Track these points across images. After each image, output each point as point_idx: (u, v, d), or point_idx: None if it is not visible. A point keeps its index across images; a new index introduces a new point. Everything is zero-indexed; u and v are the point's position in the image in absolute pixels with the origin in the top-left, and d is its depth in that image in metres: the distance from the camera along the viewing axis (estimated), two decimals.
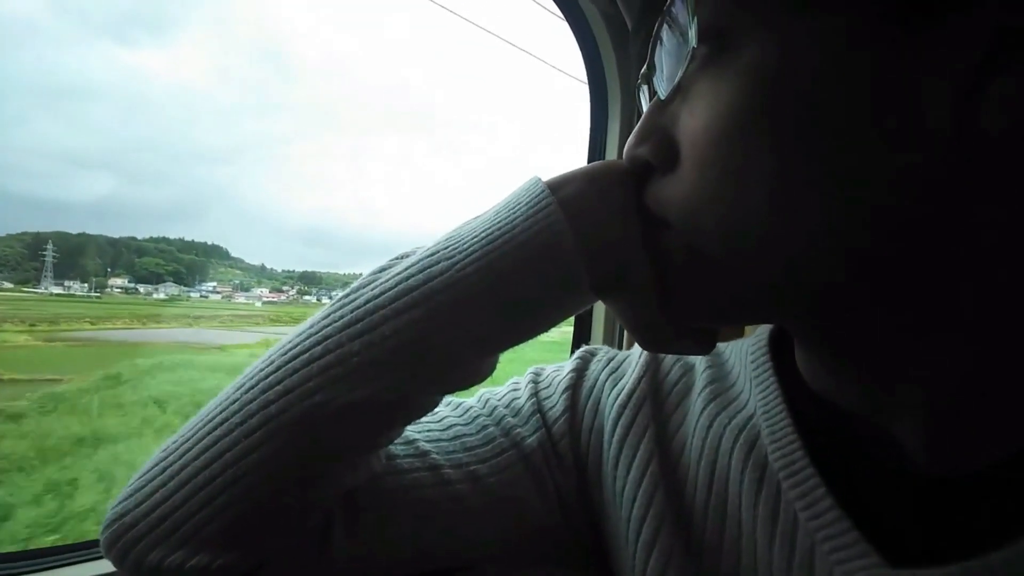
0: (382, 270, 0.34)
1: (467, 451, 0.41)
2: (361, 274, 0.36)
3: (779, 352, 0.39)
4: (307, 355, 0.32)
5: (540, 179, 0.34)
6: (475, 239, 0.33)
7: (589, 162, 1.07)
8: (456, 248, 0.32)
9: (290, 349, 0.32)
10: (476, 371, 0.35)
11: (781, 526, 0.33)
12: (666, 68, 0.32)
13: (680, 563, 0.36)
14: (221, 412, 0.32)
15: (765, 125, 0.27)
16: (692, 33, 0.29)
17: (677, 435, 0.40)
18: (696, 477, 0.38)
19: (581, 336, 1.04)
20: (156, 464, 0.33)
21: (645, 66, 0.34)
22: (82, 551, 0.67)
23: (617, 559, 0.40)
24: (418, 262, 0.33)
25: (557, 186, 0.34)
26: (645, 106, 0.35)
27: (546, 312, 0.34)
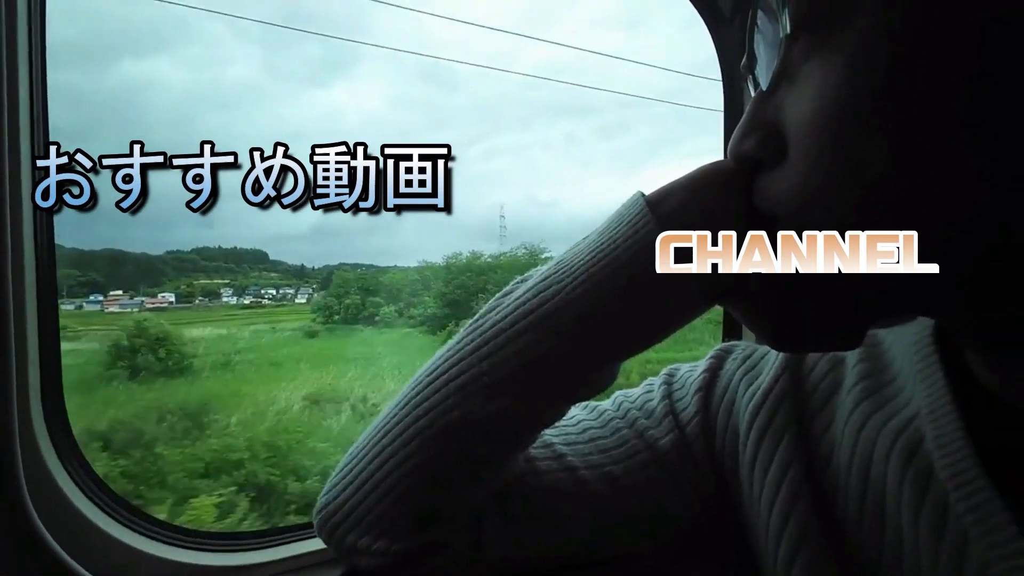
0: (504, 295, 0.38)
1: (602, 453, 0.42)
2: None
3: (947, 341, 0.34)
4: (445, 376, 0.36)
5: (641, 195, 0.35)
6: (581, 262, 0.35)
7: (725, 145, 1.01)
8: (564, 272, 0.35)
9: (433, 371, 0.38)
10: (597, 381, 0.37)
11: (948, 544, 0.30)
12: (765, 57, 0.31)
13: None
14: (385, 425, 0.38)
15: (878, 106, 0.25)
16: (786, 19, 0.28)
17: (824, 439, 0.37)
18: (847, 486, 0.35)
19: (731, 323, 0.98)
20: (345, 466, 0.40)
21: (745, 56, 0.33)
22: (304, 531, 0.83)
23: (762, 562, 0.39)
24: (533, 287, 0.36)
25: (659, 200, 0.34)
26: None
27: (658, 324, 0.35)
